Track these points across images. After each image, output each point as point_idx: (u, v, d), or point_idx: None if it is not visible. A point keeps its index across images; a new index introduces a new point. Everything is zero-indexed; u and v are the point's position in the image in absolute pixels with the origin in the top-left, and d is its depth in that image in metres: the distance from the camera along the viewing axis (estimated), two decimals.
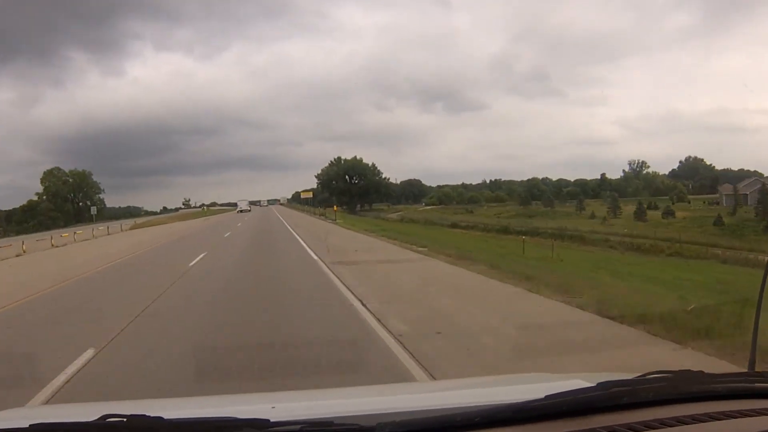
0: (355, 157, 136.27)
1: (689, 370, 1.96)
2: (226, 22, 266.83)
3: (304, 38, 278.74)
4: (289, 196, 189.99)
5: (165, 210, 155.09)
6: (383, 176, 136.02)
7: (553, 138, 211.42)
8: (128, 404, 2.91)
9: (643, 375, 1.92)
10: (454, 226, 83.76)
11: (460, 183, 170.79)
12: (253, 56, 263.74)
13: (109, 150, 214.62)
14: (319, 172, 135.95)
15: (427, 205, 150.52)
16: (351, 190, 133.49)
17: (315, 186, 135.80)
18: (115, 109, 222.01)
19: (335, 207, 69.87)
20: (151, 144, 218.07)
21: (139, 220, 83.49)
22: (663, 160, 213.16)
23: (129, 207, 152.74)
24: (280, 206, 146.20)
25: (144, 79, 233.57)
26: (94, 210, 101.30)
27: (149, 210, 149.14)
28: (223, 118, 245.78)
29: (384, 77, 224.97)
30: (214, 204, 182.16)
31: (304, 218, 63.63)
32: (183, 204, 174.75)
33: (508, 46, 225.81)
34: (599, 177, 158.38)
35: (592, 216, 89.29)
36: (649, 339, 6.46)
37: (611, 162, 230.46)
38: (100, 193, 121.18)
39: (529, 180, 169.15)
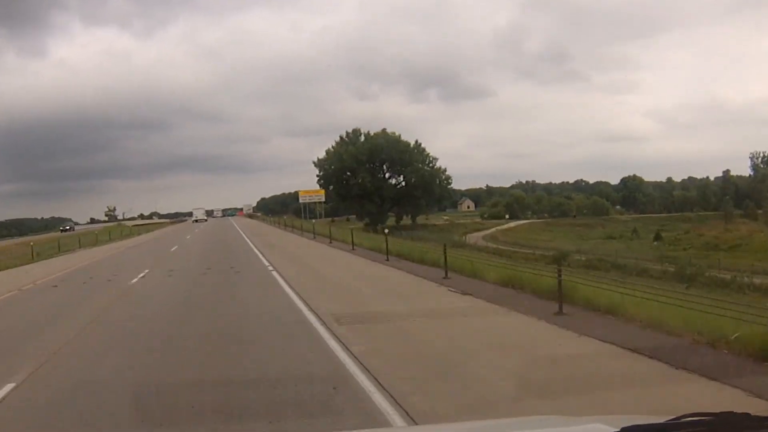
0: (385, 131, 74.29)
1: (732, 411, 1.69)
2: None
3: (267, 9, 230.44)
4: (254, 204, 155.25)
5: (93, 221, 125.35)
6: (436, 165, 74.47)
7: (573, 132, 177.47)
8: None
9: (677, 418, 1.67)
10: None
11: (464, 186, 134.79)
12: (205, 32, 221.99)
13: (28, 148, 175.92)
14: (323, 156, 73.51)
15: (496, 217, 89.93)
16: (382, 189, 71.66)
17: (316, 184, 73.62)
18: (35, 97, 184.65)
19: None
20: (81, 141, 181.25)
21: None
22: (708, 159, 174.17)
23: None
24: (246, 220, 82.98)
25: (71, 60, 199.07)
26: None
27: (78, 222, 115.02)
28: (170, 109, 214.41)
29: (366, 58, 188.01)
30: (152, 216, 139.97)
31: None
32: (106, 215, 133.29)
33: (517, 18, 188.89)
34: (721, 174, 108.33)
35: None
36: None
37: (643, 160, 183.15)
38: None
39: (664, 182, 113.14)
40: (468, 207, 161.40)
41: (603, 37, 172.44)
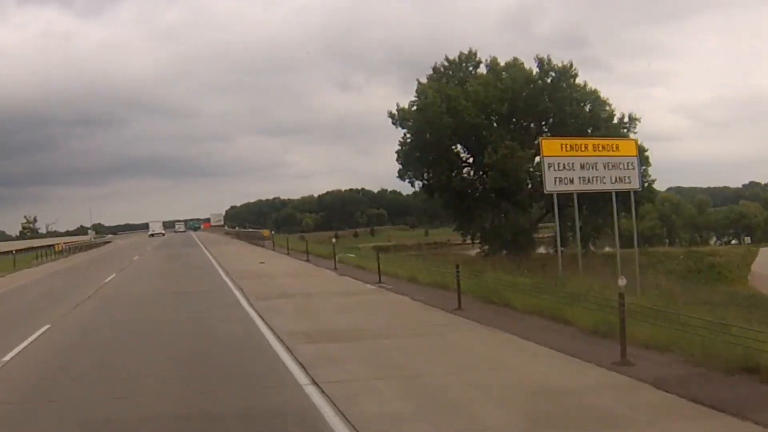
0: (518, 60, 34.85)
1: None
2: None
3: None
4: (222, 213, 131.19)
5: (22, 235, 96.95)
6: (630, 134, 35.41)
7: None
8: None
9: None
10: None
11: None
12: (160, 11, 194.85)
13: None
14: (410, 102, 33.30)
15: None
16: (535, 180, 32.45)
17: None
18: None
19: None
20: (16, 139, 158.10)
21: None
22: (745, 161, 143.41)
23: None
24: (229, 247, 41.72)
25: (3, 43, 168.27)
26: None
27: (9, 234, 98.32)
28: (120, 102, 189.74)
29: (349, 42, 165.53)
30: (90, 229, 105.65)
31: None
32: (24, 228, 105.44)
33: None
34: None
35: None
36: None
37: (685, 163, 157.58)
38: None
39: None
40: None
41: (627, 17, 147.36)
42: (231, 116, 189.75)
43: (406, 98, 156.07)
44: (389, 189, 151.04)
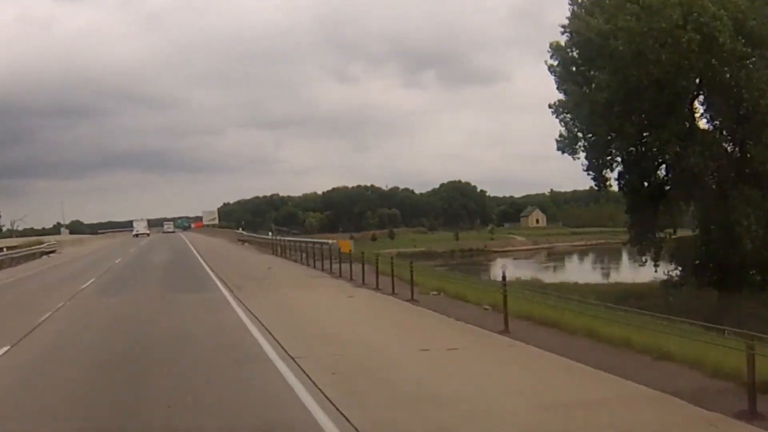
0: None
1: None
2: None
3: None
4: (214, 210, 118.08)
5: None
6: None
7: None
8: None
9: None
10: None
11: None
12: None
13: None
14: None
15: None
16: None
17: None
18: None
19: None
20: None
21: None
22: None
23: None
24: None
25: None
26: None
27: None
28: (103, 92, 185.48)
29: (347, 31, 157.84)
30: (70, 227, 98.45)
31: None
32: None
33: None
34: None
35: None
36: None
37: None
38: None
39: None
40: (537, 221, 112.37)
41: None
42: (221, 108, 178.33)
43: (407, 90, 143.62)
44: (401, 187, 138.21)
